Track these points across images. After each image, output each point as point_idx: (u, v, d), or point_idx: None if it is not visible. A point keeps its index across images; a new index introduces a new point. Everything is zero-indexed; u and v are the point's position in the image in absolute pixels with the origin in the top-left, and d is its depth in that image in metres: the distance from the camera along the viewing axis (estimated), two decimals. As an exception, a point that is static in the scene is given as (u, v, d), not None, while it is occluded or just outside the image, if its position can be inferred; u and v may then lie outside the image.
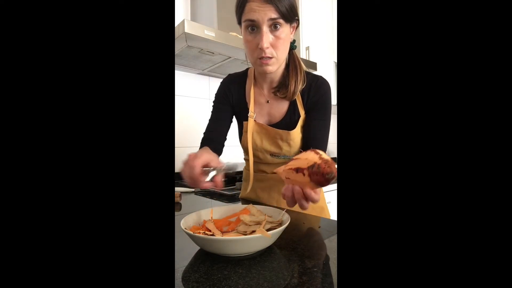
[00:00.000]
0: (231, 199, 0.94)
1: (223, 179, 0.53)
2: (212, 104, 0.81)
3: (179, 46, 1.19)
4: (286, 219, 0.48)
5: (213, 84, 1.70)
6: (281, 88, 0.73)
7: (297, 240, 0.50)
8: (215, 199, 0.94)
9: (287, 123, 0.74)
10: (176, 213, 0.77)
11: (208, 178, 0.50)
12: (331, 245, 0.48)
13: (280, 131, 0.73)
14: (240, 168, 1.24)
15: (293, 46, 0.73)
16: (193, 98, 1.62)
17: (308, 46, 1.85)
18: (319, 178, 0.39)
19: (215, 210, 0.56)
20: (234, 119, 0.83)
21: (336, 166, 0.39)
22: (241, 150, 0.84)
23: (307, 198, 0.43)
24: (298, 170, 0.41)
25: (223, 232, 0.48)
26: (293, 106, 0.74)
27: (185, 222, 0.49)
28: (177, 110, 1.54)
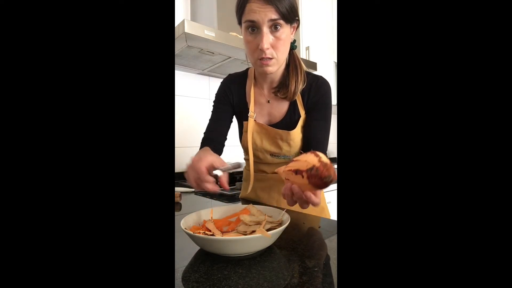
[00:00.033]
0: (231, 199, 0.94)
1: (228, 180, 0.52)
2: (213, 104, 0.81)
3: (179, 46, 1.19)
4: (286, 219, 0.48)
5: (213, 84, 1.70)
6: (282, 88, 0.73)
7: (297, 240, 0.50)
8: (215, 199, 0.94)
9: (287, 123, 0.74)
10: (176, 213, 0.77)
11: (214, 180, 0.49)
12: (331, 245, 0.48)
13: (280, 131, 0.73)
14: (242, 168, 1.24)
15: (293, 46, 0.73)
16: (193, 98, 1.62)
17: (308, 46, 1.85)
18: (317, 181, 0.39)
19: (215, 210, 0.56)
20: (234, 119, 0.83)
21: (335, 169, 0.39)
22: (241, 150, 0.84)
23: (307, 201, 0.43)
24: (297, 172, 0.41)
25: (223, 232, 0.48)
26: (293, 106, 0.74)
27: (185, 222, 0.49)
28: (177, 110, 1.54)
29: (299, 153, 0.71)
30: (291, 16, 0.61)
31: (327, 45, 2.06)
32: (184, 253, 0.45)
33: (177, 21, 1.18)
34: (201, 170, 0.47)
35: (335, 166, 1.14)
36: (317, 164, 0.39)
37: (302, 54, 1.83)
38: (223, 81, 0.82)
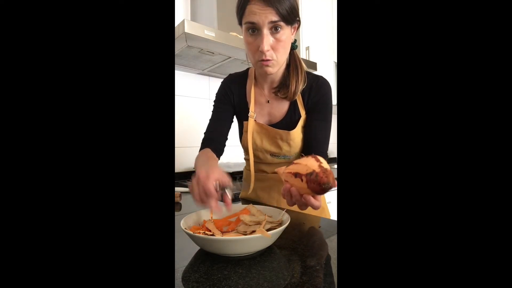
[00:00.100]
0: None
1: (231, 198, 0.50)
2: (213, 104, 0.81)
3: (179, 46, 1.19)
4: (286, 219, 0.48)
5: (213, 84, 1.70)
6: (282, 88, 0.73)
7: (297, 240, 0.50)
8: (215, 199, 0.94)
9: (287, 123, 0.74)
10: (176, 213, 0.77)
11: (219, 198, 0.48)
12: (331, 245, 0.48)
13: (280, 131, 0.73)
14: (239, 168, 1.24)
15: (294, 46, 0.72)
16: (193, 98, 1.62)
17: (308, 46, 1.85)
18: (315, 186, 0.39)
19: (215, 210, 0.56)
20: (235, 119, 0.83)
21: (334, 176, 0.39)
22: (241, 150, 0.84)
23: (306, 203, 0.43)
24: (297, 175, 0.41)
25: (223, 232, 0.48)
26: (293, 106, 0.74)
27: (185, 222, 0.49)
28: (177, 110, 1.54)
29: (300, 156, 0.71)
30: (291, 17, 0.61)
31: (327, 45, 2.06)
32: (184, 253, 0.45)
33: (177, 21, 1.17)
34: (210, 189, 0.45)
35: (335, 166, 1.13)
36: (317, 169, 0.39)
37: (302, 54, 1.83)
38: (223, 81, 0.82)
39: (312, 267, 0.39)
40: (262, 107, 0.77)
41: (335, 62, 2.10)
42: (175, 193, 0.90)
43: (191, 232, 0.42)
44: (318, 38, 1.97)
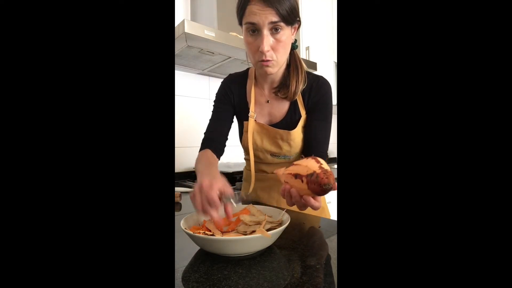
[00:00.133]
0: (231, 199, 0.94)
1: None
2: (213, 104, 0.81)
3: (179, 46, 1.19)
4: (286, 219, 0.48)
5: (213, 84, 1.70)
6: (282, 88, 0.73)
7: (297, 240, 0.50)
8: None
9: (288, 123, 0.74)
10: (176, 213, 0.77)
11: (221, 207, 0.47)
12: (331, 245, 0.48)
13: (281, 131, 0.73)
14: (239, 168, 1.24)
15: (294, 46, 0.72)
16: (193, 98, 1.62)
17: (308, 46, 1.85)
18: (316, 187, 0.39)
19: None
20: (235, 119, 0.83)
21: (335, 177, 0.39)
22: (242, 150, 0.84)
23: (306, 204, 0.42)
24: (297, 176, 0.41)
25: (223, 232, 0.48)
26: (293, 106, 0.74)
27: (185, 222, 0.49)
28: (177, 110, 1.54)
29: (300, 157, 0.71)
30: (291, 18, 0.61)
31: (327, 45, 2.06)
32: (184, 253, 0.45)
33: (177, 21, 1.17)
34: (214, 199, 0.44)
35: (335, 166, 1.13)
36: (318, 170, 0.39)
37: (302, 54, 1.83)
38: (223, 81, 0.82)
39: (312, 267, 0.39)
40: (262, 107, 0.77)
41: (335, 62, 2.10)
42: (175, 193, 0.90)
43: (191, 232, 0.42)
44: (318, 38, 1.97)
